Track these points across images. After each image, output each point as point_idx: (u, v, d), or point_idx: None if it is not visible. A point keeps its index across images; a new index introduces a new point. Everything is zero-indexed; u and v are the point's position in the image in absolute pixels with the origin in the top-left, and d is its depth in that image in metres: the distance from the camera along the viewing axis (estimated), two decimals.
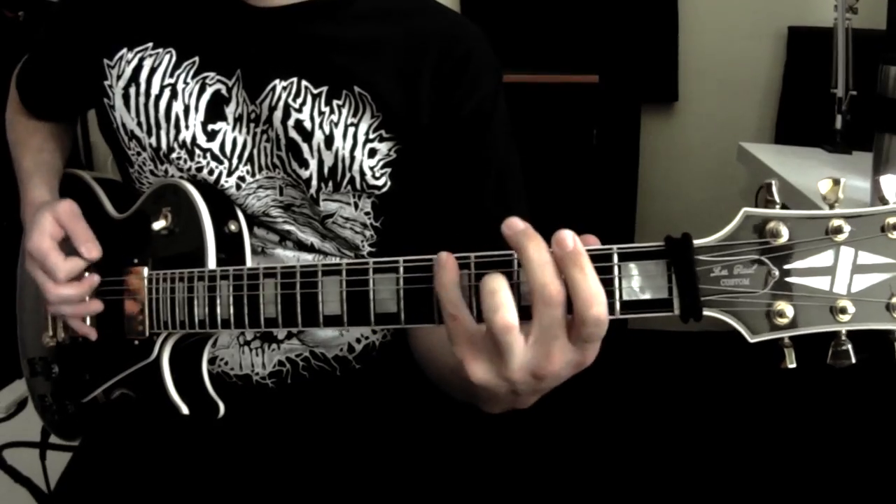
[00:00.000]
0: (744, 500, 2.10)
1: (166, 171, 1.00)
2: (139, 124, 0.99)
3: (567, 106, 2.44)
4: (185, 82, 0.98)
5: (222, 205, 0.98)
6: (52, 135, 1.19)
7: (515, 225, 0.62)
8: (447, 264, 0.64)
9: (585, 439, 2.28)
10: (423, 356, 1.00)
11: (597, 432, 2.33)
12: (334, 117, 0.95)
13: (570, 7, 2.69)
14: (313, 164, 0.96)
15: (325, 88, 0.96)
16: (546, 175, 2.31)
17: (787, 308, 0.56)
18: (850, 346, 0.55)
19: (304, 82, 0.96)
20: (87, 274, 0.98)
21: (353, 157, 0.96)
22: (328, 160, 0.96)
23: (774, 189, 0.57)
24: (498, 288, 0.60)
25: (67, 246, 0.98)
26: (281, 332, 1.06)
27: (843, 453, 2.13)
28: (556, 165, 2.42)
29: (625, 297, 0.61)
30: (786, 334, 0.57)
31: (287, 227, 1.02)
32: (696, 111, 2.82)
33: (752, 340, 0.57)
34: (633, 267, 0.61)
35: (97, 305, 0.99)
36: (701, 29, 2.73)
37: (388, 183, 0.98)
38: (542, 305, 0.60)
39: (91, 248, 0.97)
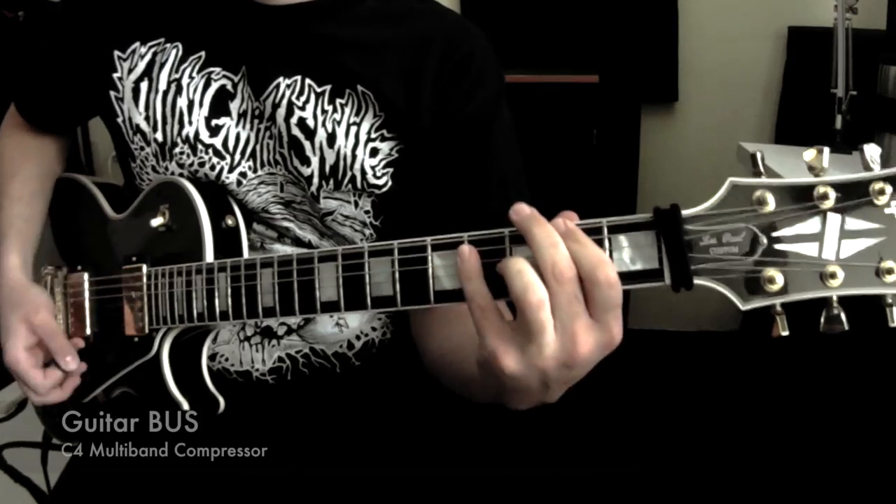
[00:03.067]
0: (742, 499, 2.09)
1: (167, 169, 1.01)
2: (146, 119, 1.00)
3: (567, 106, 2.44)
4: (191, 76, 0.98)
5: (219, 200, 0.99)
6: (36, 175, 1.14)
7: (522, 210, 0.64)
8: (470, 257, 0.65)
9: (586, 439, 2.28)
10: (438, 361, 0.99)
11: (597, 432, 2.32)
12: (337, 116, 0.96)
13: (570, 7, 2.69)
14: (315, 161, 0.97)
15: (328, 87, 0.97)
16: (546, 175, 2.31)
17: (776, 275, 0.56)
18: (842, 312, 0.56)
19: (307, 81, 0.97)
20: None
21: (354, 156, 0.96)
22: (330, 158, 0.96)
23: (759, 160, 0.58)
24: (523, 268, 0.61)
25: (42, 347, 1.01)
26: (281, 328, 1.06)
27: (843, 453, 2.12)
28: (556, 165, 2.41)
29: (616, 269, 0.61)
30: (777, 301, 0.57)
31: (286, 223, 1.02)
32: (696, 111, 2.81)
33: (743, 308, 0.57)
34: (623, 239, 0.61)
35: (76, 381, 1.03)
36: (701, 29, 2.72)
37: (390, 182, 0.98)
38: (555, 283, 0.60)
39: (70, 362, 1.00)
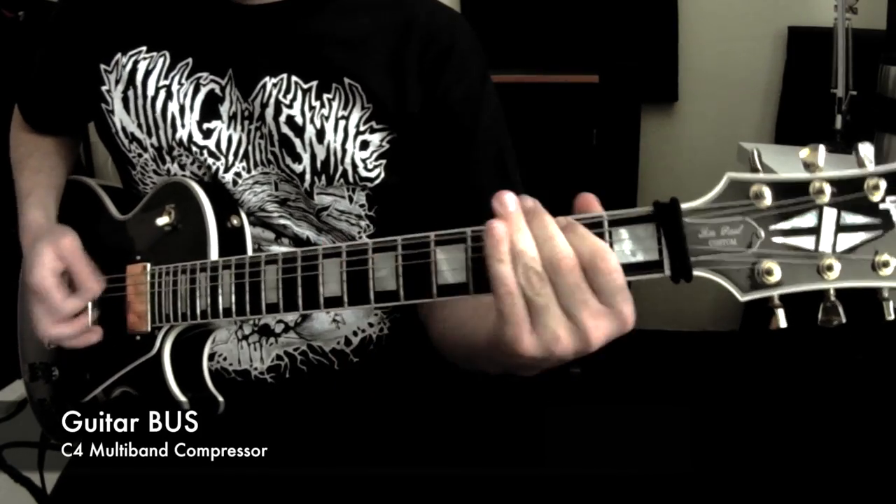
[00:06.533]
0: (743, 498, 2.10)
1: (169, 171, 1.02)
2: (139, 126, 1.00)
3: (567, 106, 2.44)
4: (180, 83, 0.99)
5: (224, 200, 1.00)
6: (52, 152, 1.18)
7: (507, 206, 0.65)
8: (504, 236, 0.63)
9: (585, 438, 2.28)
10: (440, 339, 0.99)
11: (596, 432, 2.32)
12: (325, 111, 0.97)
13: (569, 7, 2.70)
14: (306, 158, 0.97)
15: (314, 83, 0.97)
16: (546, 175, 2.31)
17: (774, 267, 0.57)
18: (839, 305, 0.57)
19: (293, 78, 0.97)
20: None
21: (344, 150, 0.97)
22: (320, 154, 0.97)
23: (756, 157, 0.59)
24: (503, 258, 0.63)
25: (66, 278, 0.99)
26: (278, 326, 1.06)
27: (842, 453, 2.12)
28: (556, 165, 2.42)
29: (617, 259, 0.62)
30: (775, 293, 0.58)
31: (283, 221, 1.03)
32: (696, 111, 2.82)
33: (742, 299, 0.59)
34: (623, 231, 0.63)
35: (94, 336, 1.01)
36: (701, 29, 2.73)
37: (382, 174, 0.99)
38: (557, 276, 0.61)
39: (92, 287, 0.98)
